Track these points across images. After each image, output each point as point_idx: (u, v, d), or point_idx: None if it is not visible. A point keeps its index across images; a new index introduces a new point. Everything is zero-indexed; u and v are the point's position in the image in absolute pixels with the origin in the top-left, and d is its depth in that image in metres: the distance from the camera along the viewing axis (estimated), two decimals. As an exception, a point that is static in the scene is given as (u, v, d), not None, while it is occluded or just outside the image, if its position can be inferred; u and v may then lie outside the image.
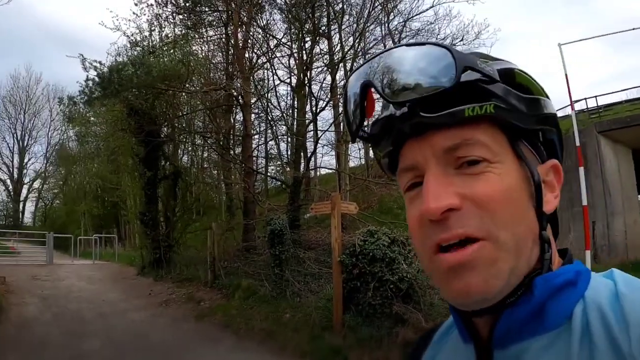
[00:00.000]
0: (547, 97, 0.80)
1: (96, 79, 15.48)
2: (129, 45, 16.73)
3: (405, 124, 0.73)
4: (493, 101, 0.70)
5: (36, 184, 62.32)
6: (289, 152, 28.46)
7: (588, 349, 0.64)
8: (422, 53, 0.72)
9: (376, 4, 19.79)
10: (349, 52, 19.85)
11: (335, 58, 19.77)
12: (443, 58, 0.69)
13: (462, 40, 21.00)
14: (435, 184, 0.70)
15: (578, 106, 21.90)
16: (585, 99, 23.60)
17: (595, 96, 23.65)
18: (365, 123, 0.81)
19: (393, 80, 0.73)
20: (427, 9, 23.41)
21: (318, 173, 29.51)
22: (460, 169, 0.71)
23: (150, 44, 16.70)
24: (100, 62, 15.66)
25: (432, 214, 0.68)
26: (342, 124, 21.12)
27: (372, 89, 0.76)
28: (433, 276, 0.74)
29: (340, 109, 20.94)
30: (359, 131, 0.81)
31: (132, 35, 16.92)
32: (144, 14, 19.17)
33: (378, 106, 0.79)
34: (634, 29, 10.32)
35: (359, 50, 20.31)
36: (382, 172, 0.90)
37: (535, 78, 0.79)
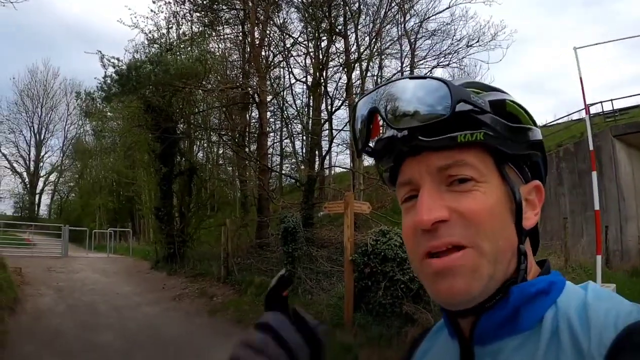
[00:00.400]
0: (535, 125, 0.88)
1: (114, 75, 15.66)
2: (146, 43, 16.87)
3: (405, 145, 0.82)
4: (483, 130, 0.79)
5: (52, 177, 62.70)
6: (303, 151, 28.51)
7: (555, 348, 0.73)
8: (423, 85, 0.81)
9: (393, 4, 19.77)
10: (365, 52, 19.89)
11: (351, 58, 19.81)
12: (440, 90, 0.78)
13: (478, 41, 20.83)
14: (428, 198, 0.79)
15: (594, 109, 21.75)
16: (601, 102, 23.39)
17: (611, 99, 23.40)
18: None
19: (396, 107, 0.81)
20: (443, 10, 23.19)
21: (332, 172, 29.57)
22: (450, 186, 0.80)
23: (168, 41, 16.82)
24: (118, 59, 15.86)
25: (424, 224, 0.78)
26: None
27: (378, 115, 0.85)
28: (422, 278, 0.83)
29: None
30: (365, 148, 0.90)
31: (150, 32, 17.11)
32: (162, 12, 19.31)
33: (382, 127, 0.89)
34: (651, 33, 10.26)
35: (375, 50, 20.34)
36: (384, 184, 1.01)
37: (525, 107, 0.88)
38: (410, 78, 0.85)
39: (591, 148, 9.54)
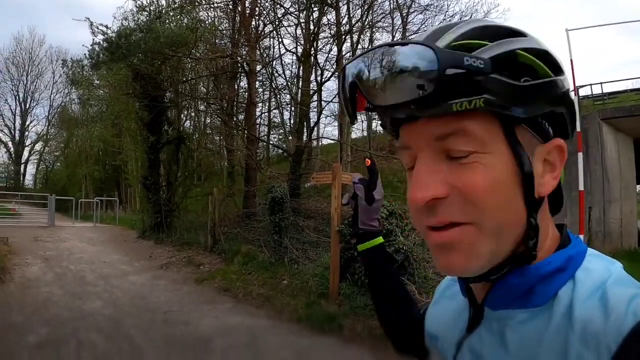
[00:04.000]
0: (558, 73, 0.78)
1: (103, 43, 15.52)
2: (135, 10, 16.63)
3: (399, 114, 0.76)
4: (484, 95, 0.69)
5: (38, 147, 62.55)
6: (292, 121, 28.50)
7: (565, 328, 0.70)
8: (408, 51, 0.71)
9: (386, -23, 19.67)
10: (356, 25, 19.80)
11: (342, 29, 19.70)
12: (427, 57, 0.68)
13: (470, 18, 20.79)
14: (424, 172, 0.74)
15: (583, 92, 21.70)
16: (591, 85, 23.33)
17: (601, 83, 23.40)
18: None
19: (377, 79, 0.73)
20: (437, -16, 23.19)
21: (320, 143, 29.64)
22: (450, 155, 0.74)
23: (157, 8, 16.61)
24: (107, 27, 15.70)
25: (418, 203, 0.74)
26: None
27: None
28: (429, 248, 0.80)
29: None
30: (354, 118, 0.85)
31: (139, -1, 16.82)
32: (152, -23, 19.13)
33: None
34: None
35: (366, 23, 20.24)
36: (384, 145, 0.97)
37: (543, 55, 0.76)
38: (390, 45, 0.74)
39: (578, 129, 9.61)
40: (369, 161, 1.44)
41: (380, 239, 1.39)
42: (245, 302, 9.73)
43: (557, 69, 0.78)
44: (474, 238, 0.73)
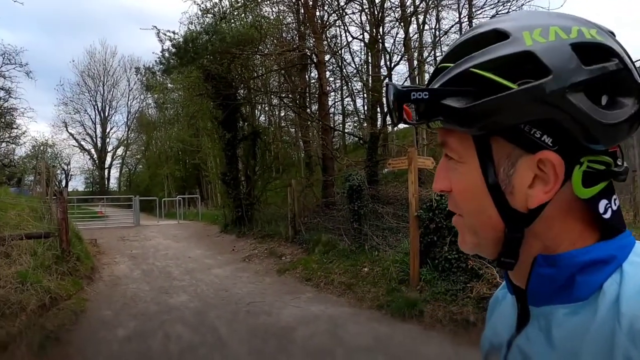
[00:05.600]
0: (531, 79, 0.70)
1: (172, 49, 15.96)
2: (200, 13, 17.00)
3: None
4: (440, 117, 0.78)
5: (119, 151, 65.46)
6: (365, 108, 28.37)
7: (611, 324, 0.68)
8: (390, 89, 0.82)
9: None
10: (421, 5, 19.48)
11: (408, 11, 19.43)
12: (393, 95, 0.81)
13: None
14: (440, 167, 0.88)
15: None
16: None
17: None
18: None
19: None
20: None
21: (395, 128, 29.38)
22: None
23: (221, 10, 16.88)
24: (174, 32, 16.12)
25: (435, 191, 0.93)
26: (417, 77, 20.83)
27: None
28: None
29: (415, 62, 20.65)
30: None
31: (202, 2, 17.13)
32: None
33: None
34: None
35: (430, 2, 19.88)
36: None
37: (513, 62, 0.72)
38: (387, 85, 0.86)
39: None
40: None
41: None
42: (327, 290, 9.85)
43: (540, 72, 0.71)
44: (461, 227, 0.87)
